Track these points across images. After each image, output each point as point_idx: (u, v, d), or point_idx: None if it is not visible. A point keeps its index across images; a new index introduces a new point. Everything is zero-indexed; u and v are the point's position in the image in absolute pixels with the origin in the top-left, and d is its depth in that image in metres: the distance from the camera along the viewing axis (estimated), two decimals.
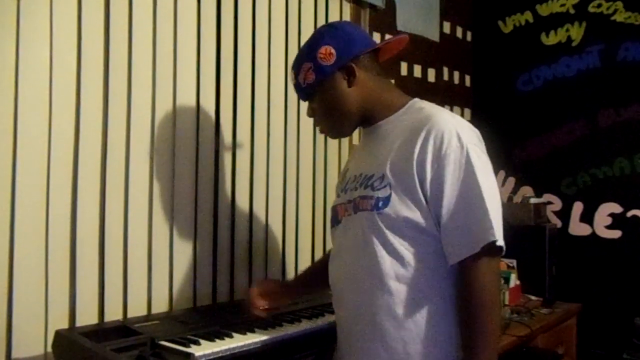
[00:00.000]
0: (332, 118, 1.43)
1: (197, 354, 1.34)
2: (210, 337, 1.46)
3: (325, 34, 1.39)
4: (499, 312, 1.33)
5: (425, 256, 1.29)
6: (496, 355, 1.26)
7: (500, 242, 1.24)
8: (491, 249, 1.23)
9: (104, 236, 1.69)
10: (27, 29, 1.54)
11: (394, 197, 1.28)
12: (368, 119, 1.42)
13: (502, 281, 2.46)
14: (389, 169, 1.30)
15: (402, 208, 1.27)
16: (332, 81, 1.37)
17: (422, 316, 1.29)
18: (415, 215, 1.27)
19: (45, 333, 1.56)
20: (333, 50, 1.35)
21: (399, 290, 1.29)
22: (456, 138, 1.25)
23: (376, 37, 2.65)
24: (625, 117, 2.82)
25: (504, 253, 1.28)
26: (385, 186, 1.29)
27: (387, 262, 1.29)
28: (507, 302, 2.51)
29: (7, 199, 1.51)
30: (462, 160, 1.24)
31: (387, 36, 2.71)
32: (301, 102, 2.30)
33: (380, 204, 1.29)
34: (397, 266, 1.29)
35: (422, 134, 1.27)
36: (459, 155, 1.24)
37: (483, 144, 1.32)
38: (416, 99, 1.41)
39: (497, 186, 1.29)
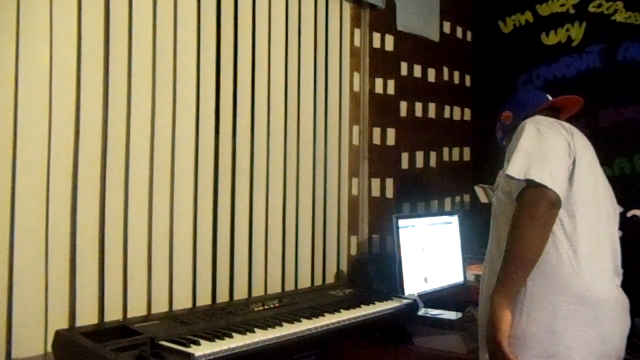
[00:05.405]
0: None
1: (197, 354, 1.34)
2: (210, 337, 1.46)
3: (507, 100, 1.93)
4: (523, 251, 1.44)
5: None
6: (507, 296, 1.44)
7: (517, 175, 1.44)
8: (534, 186, 1.42)
9: (104, 236, 1.69)
10: (27, 29, 1.54)
11: None
12: None
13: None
14: None
15: None
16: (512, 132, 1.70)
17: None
18: None
19: (45, 333, 1.56)
20: (510, 114, 1.87)
21: None
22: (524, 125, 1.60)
23: (376, 37, 2.66)
24: (625, 117, 2.82)
25: (550, 191, 1.41)
26: None
27: None
28: None
29: (7, 199, 1.52)
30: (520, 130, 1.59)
31: (387, 36, 2.71)
32: (301, 102, 2.31)
33: None
34: None
35: None
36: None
37: (551, 123, 1.58)
38: None
39: (559, 145, 1.51)
